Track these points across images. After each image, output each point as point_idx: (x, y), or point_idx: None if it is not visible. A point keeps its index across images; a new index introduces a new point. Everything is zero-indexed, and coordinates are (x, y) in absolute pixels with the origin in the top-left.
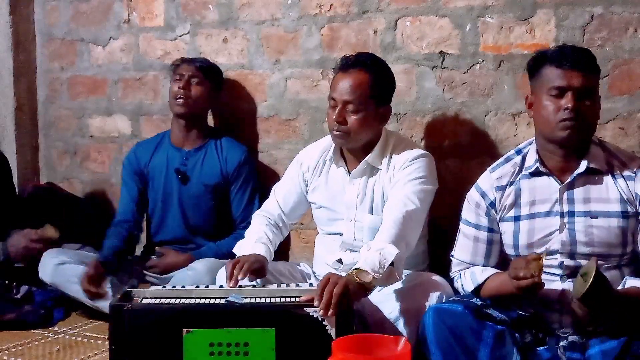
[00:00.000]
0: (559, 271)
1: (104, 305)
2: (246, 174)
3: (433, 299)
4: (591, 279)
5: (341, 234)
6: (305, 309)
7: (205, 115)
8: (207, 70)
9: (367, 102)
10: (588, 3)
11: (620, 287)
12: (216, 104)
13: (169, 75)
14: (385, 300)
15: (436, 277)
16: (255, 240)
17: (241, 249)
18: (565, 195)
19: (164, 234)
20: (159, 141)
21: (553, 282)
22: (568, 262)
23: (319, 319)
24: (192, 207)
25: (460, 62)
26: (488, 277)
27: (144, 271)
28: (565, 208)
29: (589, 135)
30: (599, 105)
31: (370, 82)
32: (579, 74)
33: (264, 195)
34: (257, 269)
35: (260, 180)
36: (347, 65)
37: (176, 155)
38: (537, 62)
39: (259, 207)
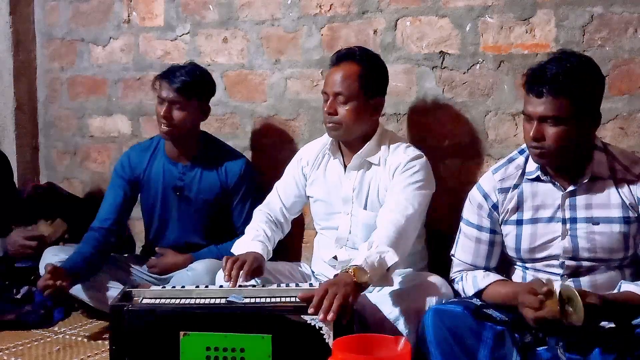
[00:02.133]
0: (560, 270)
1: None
2: (247, 185)
3: (433, 299)
4: (582, 314)
5: (337, 228)
6: (302, 316)
7: (197, 129)
8: (190, 90)
9: (357, 92)
10: (588, 3)
11: (615, 291)
12: (207, 112)
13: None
14: (385, 301)
15: (436, 278)
16: (252, 238)
17: (238, 247)
18: (567, 202)
19: (162, 243)
20: (154, 150)
21: (554, 282)
22: (569, 262)
23: (317, 326)
24: (191, 221)
25: (460, 62)
26: (490, 284)
27: (138, 269)
28: (568, 215)
29: (567, 158)
30: (576, 128)
31: (360, 73)
32: (542, 101)
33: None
34: (255, 268)
35: (260, 181)
36: (338, 58)
37: (172, 169)
38: (526, 77)
39: None
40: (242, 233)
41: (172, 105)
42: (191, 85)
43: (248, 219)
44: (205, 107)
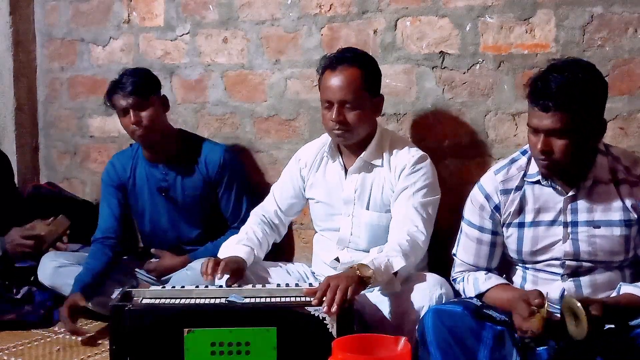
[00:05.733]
0: (560, 270)
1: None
2: (229, 173)
3: (433, 299)
4: (586, 327)
5: (338, 230)
6: (306, 307)
7: (169, 128)
8: (144, 88)
9: (362, 96)
10: (588, 3)
11: (614, 294)
12: (168, 104)
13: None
14: (385, 300)
15: (436, 278)
16: (237, 242)
17: (223, 251)
18: (569, 206)
19: (156, 245)
20: (134, 156)
21: (554, 282)
22: (570, 262)
23: (320, 317)
24: (183, 218)
25: (460, 62)
26: (490, 287)
27: (139, 271)
28: (569, 218)
29: (572, 167)
30: (584, 138)
31: (362, 76)
32: (549, 115)
33: (258, 192)
34: (234, 269)
35: (261, 181)
36: (335, 63)
37: (154, 172)
38: (529, 87)
39: (249, 204)
40: (234, 223)
41: (136, 111)
42: (143, 83)
43: (237, 208)
44: (164, 99)
